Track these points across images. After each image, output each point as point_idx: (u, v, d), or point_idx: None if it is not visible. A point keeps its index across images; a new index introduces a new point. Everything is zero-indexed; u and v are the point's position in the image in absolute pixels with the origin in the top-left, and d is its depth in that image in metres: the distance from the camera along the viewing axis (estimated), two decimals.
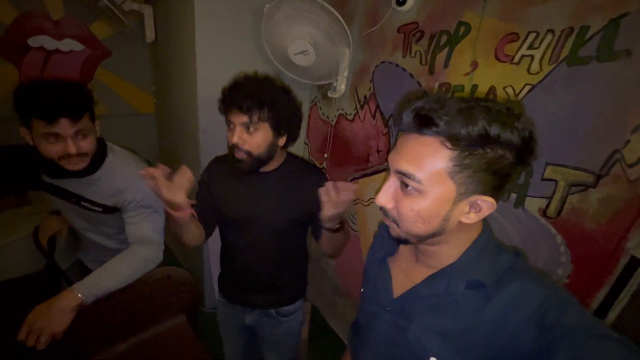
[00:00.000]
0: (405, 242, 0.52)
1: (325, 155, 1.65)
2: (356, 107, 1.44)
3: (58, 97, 0.77)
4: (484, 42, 0.95)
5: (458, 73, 1.03)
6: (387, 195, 0.50)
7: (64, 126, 0.79)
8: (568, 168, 0.83)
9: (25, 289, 1.11)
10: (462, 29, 1.00)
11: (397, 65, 1.23)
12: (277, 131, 0.86)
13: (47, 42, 1.72)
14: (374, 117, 1.37)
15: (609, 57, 0.73)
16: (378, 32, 1.27)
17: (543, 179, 0.88)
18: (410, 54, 1.17)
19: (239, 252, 0.98)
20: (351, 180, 1.53)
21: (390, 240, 0.58)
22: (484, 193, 0.45)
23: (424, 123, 0.44)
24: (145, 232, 0.94)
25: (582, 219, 0.82)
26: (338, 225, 0.82)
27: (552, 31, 0.81)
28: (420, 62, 1.14)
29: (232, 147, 0.84)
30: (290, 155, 0.98)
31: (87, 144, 0.85)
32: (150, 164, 0.95)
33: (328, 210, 0.74)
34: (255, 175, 0.91)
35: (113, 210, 0.95)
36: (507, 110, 0.42)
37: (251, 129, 0.82)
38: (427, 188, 0.45)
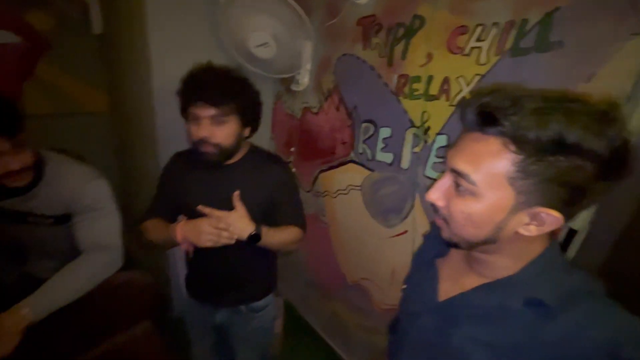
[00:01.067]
0: (456, 246, 0.49)
1: (292, 149, 1.64)
2: (321, 100, 1.45)
3: None
4: (437, 34, 0.99)
5: (415, 64, 1.07)
6: (438, 193, 0.47)
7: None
8: None
9: None
10: (417, 22, 1.04)
11: (357, 57, 1.25)
12: (243, 122, 0.86)
13: None
14: (337, 109, 1.38)
15: (545, 47, 0.79)
16: (338, 24, 1.28)
17: None
18: (370, 46, 1.19)
19: (205, 248, 0.94)
20: (319, 173, 1.55)
21: (441, 241, 0.56)
22: (550, 206, 0.40)
23: (488, 121, 0.40)
24: (100, 236, 0.89)
25: None
26: (252, 236, 0.84)
27: (497, 24, 0.87)
28: (380, 55, 1.16)
29: (198, 142, 0.82)
30: (253, 146, 0.98)
31: (26, 157, 0.80)
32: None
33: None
34: (220, 168, 0.90)
35: (66, 218, 0.89)
36: (598, 114, 0.36)
37: (220, 121, 0.81)
38: (481, 191, 0.42)
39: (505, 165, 0.39)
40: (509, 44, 0.85)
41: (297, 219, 1.00)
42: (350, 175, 1.40)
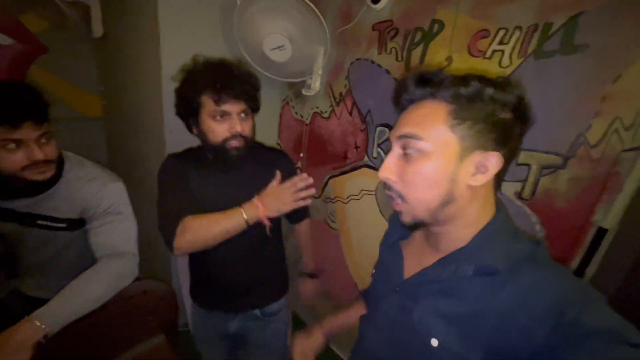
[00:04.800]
0: (416, 226, 0.52)
1: (302, 155, 1.62)
2: (332, 105, 1.44)
3: (21, 98, 0.69)
4: (458, 38, 1.01)
5: (434, 68, 1.08)
6: (388, 168, 0.49)
7: (28, 130, 0.69)
8: (539, 152, 0.91)
9: None
10: (436, 26, 1.05)
11: (372, 62, 1.25)
12: (254, 112, 0.89)
13: None
14: (350, 113, 1.37)
15: (570, 50, 0.82)
16: (352, 29, 1.28)
17: (518, 164, 0.95)
18: (385, 50, 1.20)
19: (214, 251, 0.85)
20: (329, 179, 1.53)
21: (403, 224, 0.58)
22: (488, 149, 0.46)
23: (424, 84, 0.47)
24: (117, 242, 0.83)
25: (553, 198, 0.90)
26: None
27: (519, 28, 0.89)
28: (397, 59, 1.17)
29: (229, 138, 0.81)
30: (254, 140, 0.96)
31: (52, 149, 0.76)
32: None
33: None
34: (228, 166, 0.88)
35: (79, 224, 0.83)
36: (499, 79, 0.47)
37: (246, 115, 0.82)
38: (429, 147, 0.46)
39: (444, 116, 0.46)
40: (532, 47, 0.87)
41: (303, 211, 1.10)
42: (364, 180, 1.38)
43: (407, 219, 0.51)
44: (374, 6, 1.16)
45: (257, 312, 1.01)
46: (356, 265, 1.52)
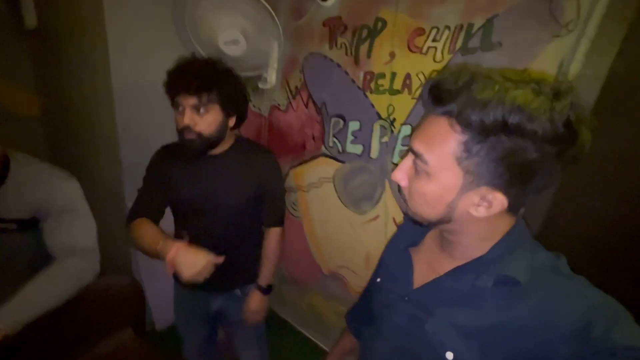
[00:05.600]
0: (420, 223, 0.50)
1: None
2: (289, 98, 1.49)
3: None
4: (399, 35, 1.11)
5: (380, 62, 1.18)
6: (401, 172, 0.48)
7: None
8: None
9: None
10: (380, 24, 1.15)
11: (324, 56, 1.33)
12: (226, 112, 0.88)
13: None
14: (306, 106, 1.44)
15: (488, 47, 0.96)
16: (304, 25, 1.34)
17: None
18: (336, 45, 1.28)
19: (197, 237, 0.94)
20: (290, 169, 1.59)
21: (414, 231, 0.59)
22: (494, 186, 0.41)
23: (437, 101, 0.42)
24: (75, 240, 0.82)
25: None
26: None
27: (448, 27, 1.01)
28: (346, 53, 1.26)
29: (182, 130, 0.84)
30: (240, 137, 1.00)
31: None
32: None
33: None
34: (206, 159, 0.92)
35: (31, 224, 0.80)
36: (547, 93, 0.37)
37: (201, 110, 0.83)
38: (433, 171, 0.43)
39: (453, 145, 0.41)
40: (459, 44, 1.01)
41: (278, 218, 1.10)
42: (322, 169, 1.46)
43: (410, 213, 0.51)
44: (323, 3, 1.23)
45: (238, 292, 1.08)
46: (320, 250, 1.60)
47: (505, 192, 0.41)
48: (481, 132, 0.38)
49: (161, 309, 1.65)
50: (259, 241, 1.12)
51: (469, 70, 0.41)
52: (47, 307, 0.72)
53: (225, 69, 0.90)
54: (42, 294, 0.72)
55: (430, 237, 0.59)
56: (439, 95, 0.41)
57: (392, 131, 1.21)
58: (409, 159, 0.48)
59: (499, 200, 0.41)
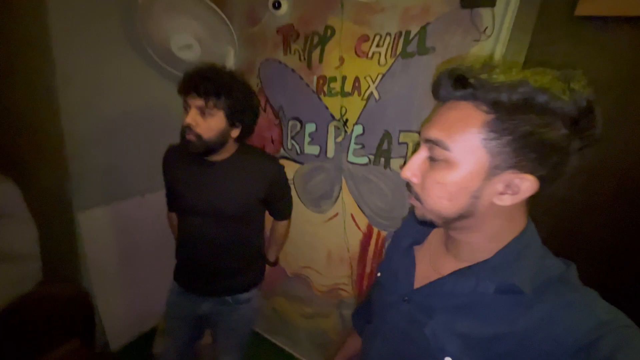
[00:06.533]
0: (431, 224, 0.48)
1: None
2: None
3: None
4: (346, 41, 1.20)
5: (331, 67, 1.25)
6: (412, 169, 0.46)
7: None
8: (412, 132, 1.14)
9: None
10: (329, 31, 1.23)
11: (279, 62, 1.38)
12: (231, 121, 0.90)
13: None
14: (264, 110, 1.48)
15: (424, 51, 1.06)
16: (259, 31, 1.39)
17: (399, 143, 1.17)
18: (290, 52, 1.34)
19: (192, 239, 1.01)
20: None
21: (418, 227, 0.56)
22: (522, 169, 0.40)
23: (459, 83, 0.41)
24: (12, 246, 0.77)
25: None
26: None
27: (389, 34, 1.11)
28: (300, 59, 1.32)
29: (184, 129, 0.86)
30: (246, 147, 1.02)
31: None
32: None
33: None
34: (206, 164, 0.95)
35: None
36: (562, 78, 0.38)
37: (206, 113, 0.85)
38: (456, 157, 0.41)
39: (478, 127, 0.39)
40: (399, 49, 1.10)
41: (287, 213, 1.19)
42: None
43: (418, 214, 0.49)
44: (275, 12, 1.29)
45: (228, 298, 1.08)
46: (284, 251, 1.61)
47: (534, 172, 0.40)
48: (509, 111, 0.38)
49: (116, 326, 1.55)
50: (255, 250, 1.13)
51: (485, 58, 0.45)
52: None
53: (240, 81, 0.92)
54: None
55: (435, 236, 0.58)
56: (462, 78, 0.41)
57: (345, 131, 1.28)
58: (421, 153, 0.46)
59: (529, 182, 0.40)
